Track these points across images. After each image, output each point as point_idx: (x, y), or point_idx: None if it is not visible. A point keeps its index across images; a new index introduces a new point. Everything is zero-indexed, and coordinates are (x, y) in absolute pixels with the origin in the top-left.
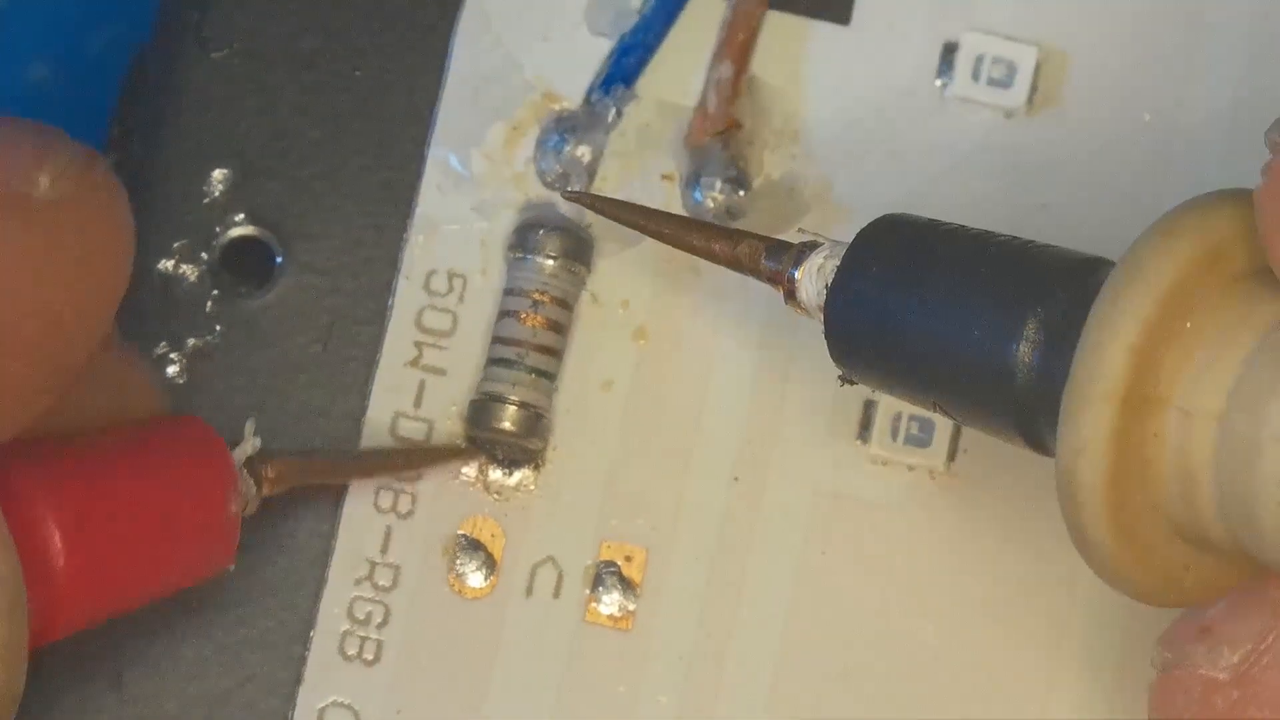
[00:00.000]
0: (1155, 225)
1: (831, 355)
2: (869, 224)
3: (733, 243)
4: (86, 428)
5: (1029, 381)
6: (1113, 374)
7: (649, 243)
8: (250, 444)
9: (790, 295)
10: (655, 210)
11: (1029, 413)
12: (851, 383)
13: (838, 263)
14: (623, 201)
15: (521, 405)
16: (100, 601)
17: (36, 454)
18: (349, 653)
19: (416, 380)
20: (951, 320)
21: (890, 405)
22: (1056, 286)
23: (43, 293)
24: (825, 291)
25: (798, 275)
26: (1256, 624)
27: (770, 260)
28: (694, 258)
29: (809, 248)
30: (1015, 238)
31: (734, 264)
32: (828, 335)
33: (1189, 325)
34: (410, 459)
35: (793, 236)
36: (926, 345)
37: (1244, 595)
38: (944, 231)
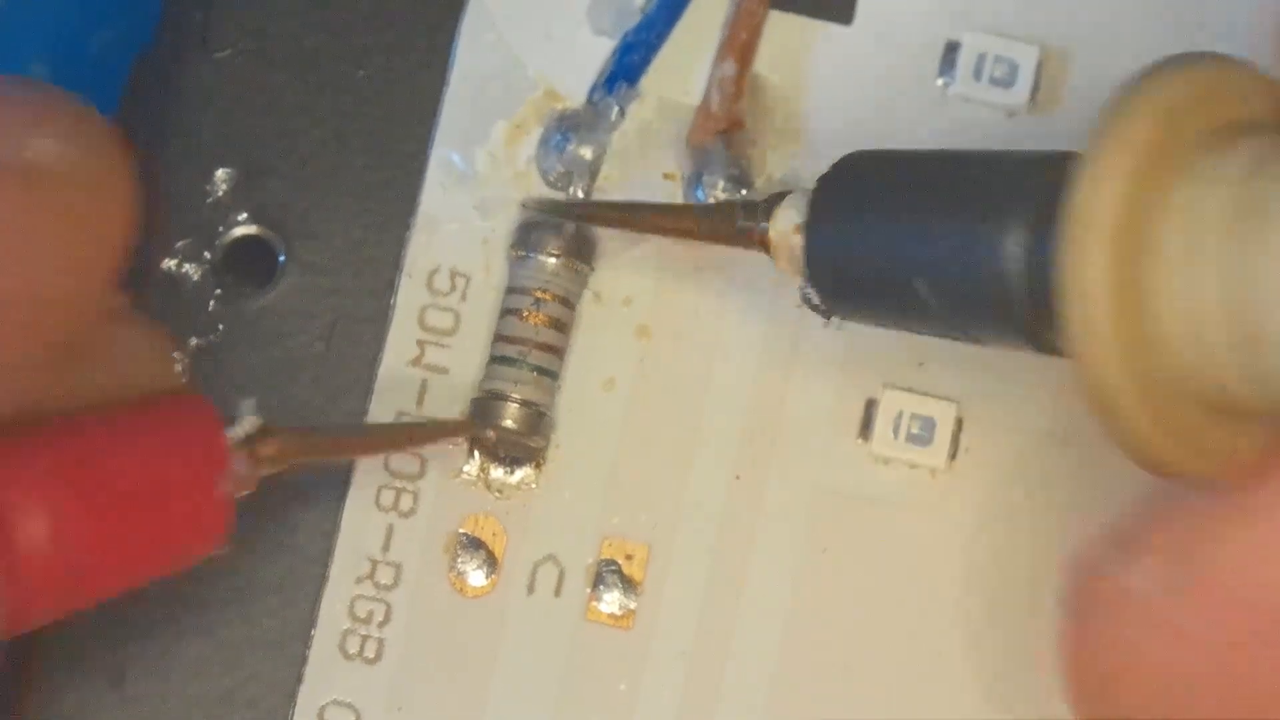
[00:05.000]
0: (1131, 82)
1: (820, 295)
2: (833, 165)
3: (710, 217)
4: (91, 403)
5: (1024, 266)
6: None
7: (651, 240)
8: (247, 422)
9: (765, 248)
10: (627, 203)
11: (1034, 295)
12: (830, 315)
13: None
14: (594, 201)
15: (524, 403)
16: (77, 589)
17: (8, 429)
18: (350, 651)
19: (419, 379)
20: (938, 217)
21: (892, 404)
22: (1045, 169)
23: (39, 271)
24: (802, 229)
25: (770, 224)
26: (1181, 533)
27: (745, 220)
28: (696, 255)
29: (778, 197)
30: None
31: (713, 237)
32: (811, 271)
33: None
34: (414, 435)
35: None
36: (915, 249)
37: (1167, 505)
38: (912, 152)
